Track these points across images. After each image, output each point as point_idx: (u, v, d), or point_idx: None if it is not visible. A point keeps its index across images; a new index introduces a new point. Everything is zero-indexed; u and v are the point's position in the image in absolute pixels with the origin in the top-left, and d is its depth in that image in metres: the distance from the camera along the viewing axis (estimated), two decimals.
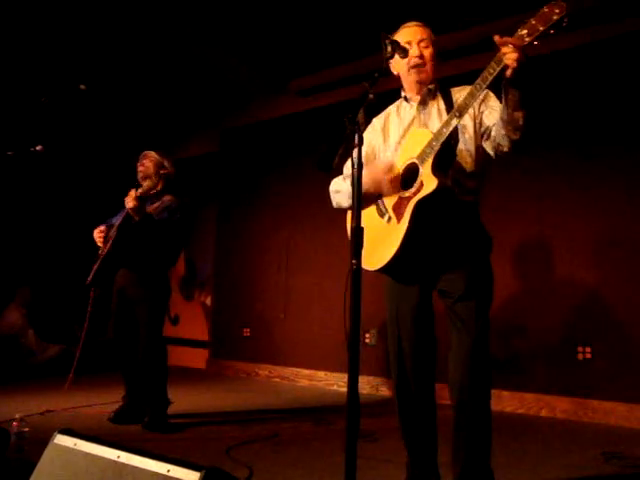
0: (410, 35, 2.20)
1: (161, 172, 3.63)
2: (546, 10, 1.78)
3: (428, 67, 2.20)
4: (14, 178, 5.86)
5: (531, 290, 4.15)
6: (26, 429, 2.78)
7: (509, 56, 1.80)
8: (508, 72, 1.83)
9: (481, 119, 2.12)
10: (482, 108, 2.12)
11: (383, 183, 2.12)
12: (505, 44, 1.80)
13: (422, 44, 2.19)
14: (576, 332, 3.89)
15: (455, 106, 2.04)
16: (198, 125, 6.63)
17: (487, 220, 2.18)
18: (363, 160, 1.73)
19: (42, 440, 1.80)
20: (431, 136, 2.03)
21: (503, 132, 1.97)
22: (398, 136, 2.25)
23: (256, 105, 6.03)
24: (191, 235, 4.00)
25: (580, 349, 3.85)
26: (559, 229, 4.06)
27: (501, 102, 1.94)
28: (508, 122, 1.93)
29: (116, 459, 1.55)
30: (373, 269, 2.12)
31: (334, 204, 2.38)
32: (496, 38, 1.81)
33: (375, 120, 2.36)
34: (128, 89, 5.82)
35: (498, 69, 1.87)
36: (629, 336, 3.70)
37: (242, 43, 4.93)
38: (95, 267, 3.54)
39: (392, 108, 2.36)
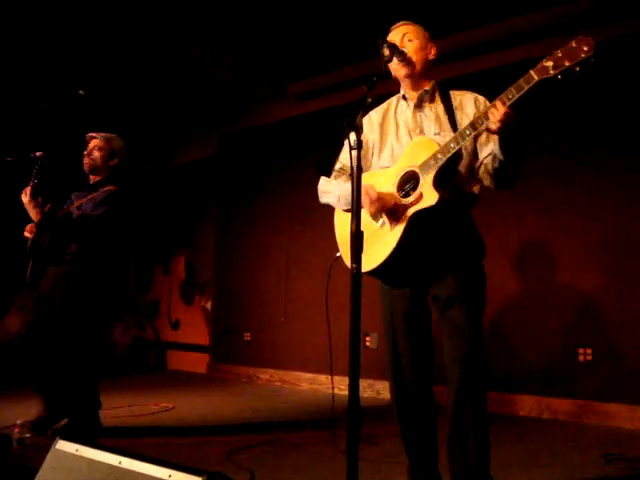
0: (394, 35, 2.19)
1: (110, 164, 3.28)
2: (574, 45, 1.76)
3: (414, 60, 2.15)
4: (15, 183, 5.84)
5: (531, 292, 4.15)
6: (27, 435, 2.78)
7: (490, 123, 1.88)
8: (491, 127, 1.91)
9: (476, 146, 2.13)
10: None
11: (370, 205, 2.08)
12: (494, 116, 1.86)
13: (405, 38, 2.17)
14: (577, 334, 3.89)
15: (461, 129, 2.00)
16: (197, 129, 6.63)
17: (487, 223, 2.18)
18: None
19: (44, 446, 1.80)
20: (437, 147, 2.00)
21: (495, 166, 2.04)
22: (394, 136, 2.22)
23: (254, 109, 6.03)
24: (133, 227, 3.48)
25: (581, 351, 3.84)
26: (559, 231, 4.06)
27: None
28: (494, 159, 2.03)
29: (118, 464, 1.55)
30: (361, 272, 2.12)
31: (322, 202, 2.34)
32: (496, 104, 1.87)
33: (373, 113, 2.30)
34: (127, 94, 5.82)
35: (481, 128, 1.93)
36: (630, 337, 3.70)
37: (240, 47, 4.94)
38: (29, 269, 3.26)
39: (392, 102, 2.30)
